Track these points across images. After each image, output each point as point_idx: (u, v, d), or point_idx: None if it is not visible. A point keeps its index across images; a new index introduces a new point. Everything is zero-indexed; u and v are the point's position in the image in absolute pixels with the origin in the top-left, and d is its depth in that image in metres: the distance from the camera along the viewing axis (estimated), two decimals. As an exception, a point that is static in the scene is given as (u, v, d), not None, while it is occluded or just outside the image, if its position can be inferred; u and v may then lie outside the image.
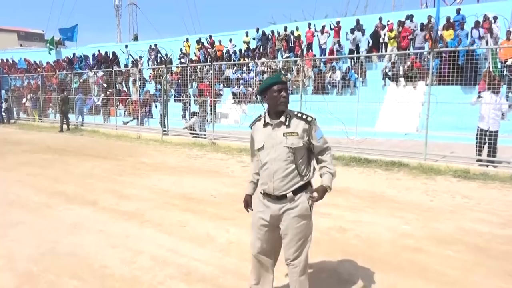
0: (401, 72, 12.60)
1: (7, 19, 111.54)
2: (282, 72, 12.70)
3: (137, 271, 3.36)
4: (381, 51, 14.36)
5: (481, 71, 11.13)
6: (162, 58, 13.66)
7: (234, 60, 17.07)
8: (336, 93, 13.67)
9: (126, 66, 20.33)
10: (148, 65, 20.21)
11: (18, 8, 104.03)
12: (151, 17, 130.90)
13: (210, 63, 12.27)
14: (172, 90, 16.51)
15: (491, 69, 10.14)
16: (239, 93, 14.44)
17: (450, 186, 6.25)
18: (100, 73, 18.40)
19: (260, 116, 2.55)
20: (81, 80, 18.50)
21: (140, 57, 19.35)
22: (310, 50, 16.13)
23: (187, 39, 21.00)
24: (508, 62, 11.00)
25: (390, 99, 11.67)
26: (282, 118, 2.41)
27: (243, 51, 17.90)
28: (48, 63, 23.47)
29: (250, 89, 14.37)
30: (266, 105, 2.51)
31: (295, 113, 2.45)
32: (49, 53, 21.38)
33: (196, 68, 16.53)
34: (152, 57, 20.10)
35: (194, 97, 14.04)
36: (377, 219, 4.64)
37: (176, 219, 4.66)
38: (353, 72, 13.47)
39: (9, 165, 8.13)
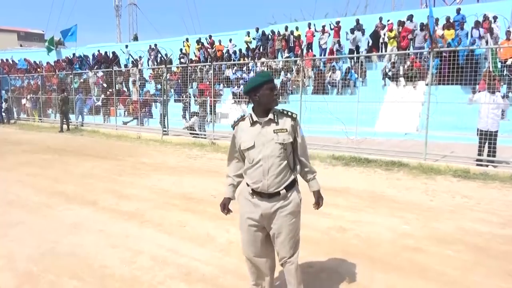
0: (401, 72, 12.60)
1: (7, 19, 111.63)
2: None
3: (137, 271, 3.36)
4: (381, 51, 14.35)
5: (481, 71, 11.12)
6: (162, 58, 13.66)
7: (234, 60, 17.07)
8: (336, 93, 13.66)
9: (126, 66, 20.34)
10: (148, 65, 20.21)
11: (18, 8, 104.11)
12: (151, 17, 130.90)
13: (210, 63, 12.27)
14: (172, 90, 16.52)
15: (491, 69, 10.14)
16: (239, 93, 14.43)
17: (450, 186, 6.25)
18: (100, 73, 18.41)
19: (244, 115, 2.58)
20: (81, 80, 18.51)
21: (140, 57, 19.36)
22: (310, 50, 16.13)
23: (187, 39, 20.99)
24: (508, 62, 11.00)
25: (390, 99, 11.67)
26: (271, 116, 2.44)
27: (243, 51, 17.90)
28: (48, 63, 23.47)
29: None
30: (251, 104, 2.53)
31: (280, 110, 2.51)
32: (48, 54, 21.36)
33: (196, 68, 16.53)
34: (152, 57, 20.10)
35: (194, 97, 14.04)
36: (377, 219, 4.63)
37: (176, 219, 4.66)
38: (353, 72, 13.47)
39: (9, 165, 8.13)
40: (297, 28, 17.01)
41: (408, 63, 12.59)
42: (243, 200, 2.54)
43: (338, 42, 15.30)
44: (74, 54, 22.72)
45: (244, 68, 16.04)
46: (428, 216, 4.73)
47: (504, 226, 4.37)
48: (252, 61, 13.37)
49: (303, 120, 9.51)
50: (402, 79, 12.49)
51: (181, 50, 20.02)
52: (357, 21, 15.53)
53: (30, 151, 10.03)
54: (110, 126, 15.12)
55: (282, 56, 16.77)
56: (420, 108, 11.03)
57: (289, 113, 2.49)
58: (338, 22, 15.84)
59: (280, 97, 13.37)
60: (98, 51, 22.71)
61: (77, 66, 21.15)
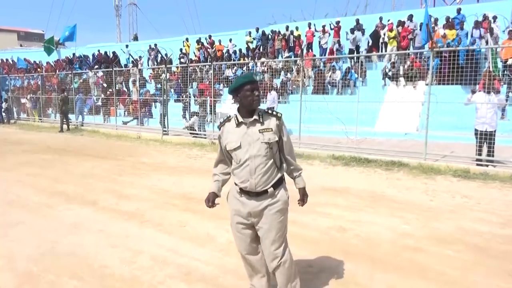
0: (401, 72, 12.59)
1: (7, 19, 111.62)
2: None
3: (137, 271, 3.36)
4: (381, 51, 14.35)
5: (481, 71, 11.11)
6: (162, 58, 13.66)
7: (234, 60, 17.07)
8: (336, 93, 13.66)
9: (126, 66, 20.33)
10: (148, 65, 20.21)
11: (18, 8, 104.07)
12: (151, 17, 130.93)
13: (210, 63, 12.27)
14: (172, 90, 16.51)
15: (491, 69, 10.13)
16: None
17: (450, 186, 6.25)
18: (100, 73, 18.40)
19: (229, 116, 2.59)
20: (81, 80, 18.50)
21: (140, 57, 19.35)
22: (310, 50, 16.13)
23: (187, 39, 21.00)
24: (509, 62, 10.99)
25: (390, 99, 11.66)
26: (256, 116, 2.46)
27: (243, 51, 17.90)
28: (48, 63, 23.47)
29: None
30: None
31: (265, 110, 2.54)
32: (48, 56, 21.34)
33: (196, 68, 16.53)
34: (152, 57, 20.10)
35: (194, 97, 14.03)
36: (377, 219, 4.63)
37: (176, 219, 4.66)
38: (353, 72, 13.47)
39: (9, 165, 8.13)
40: (297, 28, 17.00)
41: (408, 63, 12.58)
42: (232, 199, 2.59)
43: (338, 42, 15.30)
44: (74, 54, 22.72)
45: (244, 68, 16.04)
46: (428, 216, 4.73)
47: (504, 226, 4.38)
48: (252, 61, 13.37)
49: (303, 120, 9.54)
50: (402, 79, 12.49)
51: (181, 50, 20.03)
52: (357, 21, 15.54)
53: (30, 151, 10.03)
54: (110, 126, 15.12)
55: (282, 56, 16.77)
56: (420, 108, 11.03)
57: (274, 113, 2.53)
58: (338, 22, 15.84)
59: (280, 97, 13.37)
60: (98, 51, 22.71)
61: (77, 66, 21.14)
